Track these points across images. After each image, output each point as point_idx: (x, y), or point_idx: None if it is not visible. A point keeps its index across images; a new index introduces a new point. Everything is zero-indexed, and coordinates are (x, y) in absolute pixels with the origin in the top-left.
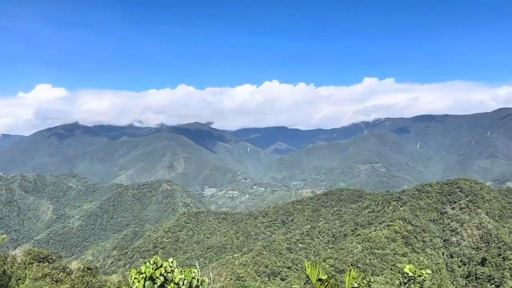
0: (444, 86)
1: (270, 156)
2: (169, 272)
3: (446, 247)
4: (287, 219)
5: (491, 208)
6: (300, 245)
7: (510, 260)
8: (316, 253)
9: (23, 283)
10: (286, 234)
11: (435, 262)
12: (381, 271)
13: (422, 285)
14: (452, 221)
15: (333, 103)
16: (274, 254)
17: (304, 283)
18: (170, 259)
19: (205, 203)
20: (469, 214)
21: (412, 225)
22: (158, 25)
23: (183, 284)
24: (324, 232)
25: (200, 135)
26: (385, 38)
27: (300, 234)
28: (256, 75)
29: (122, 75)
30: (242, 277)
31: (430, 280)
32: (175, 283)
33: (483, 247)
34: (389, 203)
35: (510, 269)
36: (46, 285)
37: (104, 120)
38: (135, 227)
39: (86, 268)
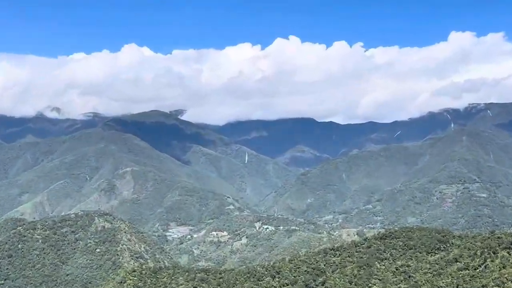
0: None
1: (284, 170)
2: None
3: None
4: (314, 281)
5: None
6: None
7: None
8: None
9: None
10: None
11: None
12: None
13: None
14: None
15: (396, 76)
16: None
17: None
18: None
19: (171, 253)
20: None
21: None
22: None
23: None
24: None
25: (162, 132)
26: None
27: None
28: (260, 28)
29: (24, 30)
30: None
31: None
32: None
33: None
34: (494, 253)
35: None
36: None
37: None
38: None
39: None
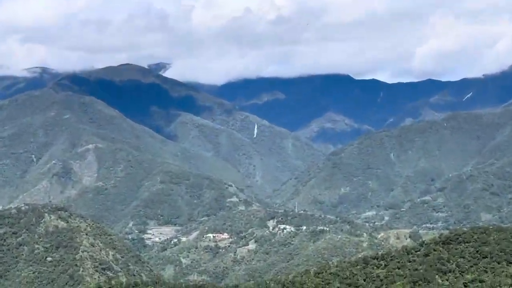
0: None
1: (308, 148)
2: None
3: None
4: None
5: None
6: None
7: None
8: None
9: None
10: None
11: None
12: None
13: None
14: None
15: (467, 16)
16: None
17: None
18: None
19: (150, 263)
20: None
21: None
22: None
23: None
24: None
25: (138, 95)
26: None
27: None
28: None
29: None
30: None
31: None
32: None
33: None
34: None
35: None
36: None
37: None
38: None
39: None
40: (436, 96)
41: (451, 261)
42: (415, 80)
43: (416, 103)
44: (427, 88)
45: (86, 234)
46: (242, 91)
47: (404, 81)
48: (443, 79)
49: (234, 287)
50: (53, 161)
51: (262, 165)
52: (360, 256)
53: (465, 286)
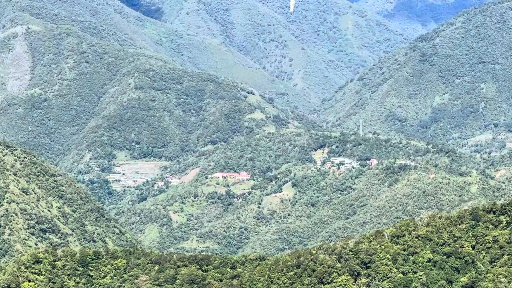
0: None
1: (380, 28)
2: None
3: None
4: (450, 283)
5: None
6: None
7: None
8: None
9: None
10: None
11: None
12: None
13: None
14: None
15: None
16: None
17: None
18: None
19: (121, 220)
20: None
21: None
22: None
23: None
24: None
25: None
26: None
27: None
28: None
29: None
30: None
31: None
32: None
33: None
34: None
35: None
36: None
37: None
38: None
39: None
40: None
41: None
42: None
43: None
44: None
45: (15, 174)
46: None
47: None
48: None
49: (256, 261)
50: None
51: (303, 59)
52: (466, 208)
53: None
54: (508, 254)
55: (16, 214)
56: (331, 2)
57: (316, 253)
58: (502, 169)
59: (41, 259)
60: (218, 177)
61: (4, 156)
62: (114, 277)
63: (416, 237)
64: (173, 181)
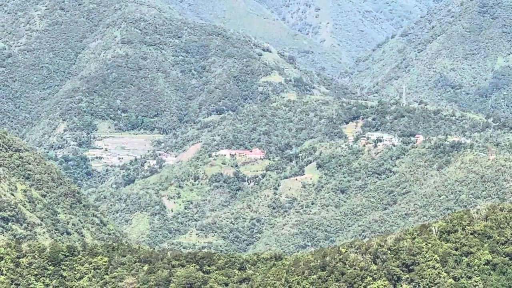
0: None
1: None
2: None
3: None
4: None
5: None
6: None
7: None
8: None
9: None
10: None
11: None
12: None
13: None
14: None
15: None
16: None
17: None
18: None
19: (103, 207)
20: None
21: None
22: None
23: None
24: None
25: None
26: None
27: None
28: None
29: None
30: None
31: None
32: None
33: None
34: None
35: None
36: None
37: None
38: None
39: None
40: None
41: None
42: None
43: None
44: None
45: None
46: None
47: None
48: None
49: (270, 260)
50: None
51: (333, 9)
52: None
53: None
54: None
55: None
56: None
57: (346, 252)
58: None
59: (1, 255)
60: (225, 155)
61: None
62: (93, 279)
63: (471, 234)
64: (168, 160)
